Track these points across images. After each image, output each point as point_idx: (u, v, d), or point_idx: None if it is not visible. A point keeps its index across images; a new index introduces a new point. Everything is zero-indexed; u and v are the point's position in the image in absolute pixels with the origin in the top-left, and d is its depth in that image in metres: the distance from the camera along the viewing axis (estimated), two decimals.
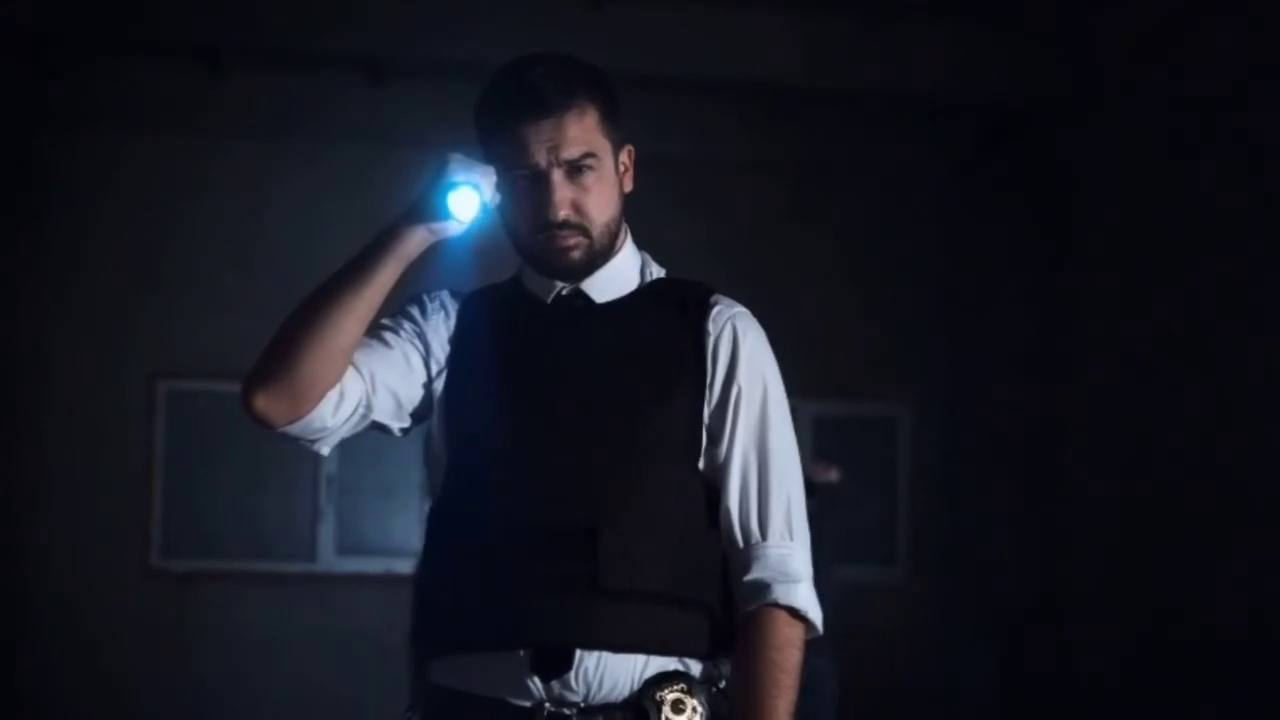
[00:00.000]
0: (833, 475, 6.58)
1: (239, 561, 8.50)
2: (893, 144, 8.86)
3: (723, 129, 8.60)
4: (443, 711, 2.13)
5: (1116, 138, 7.96)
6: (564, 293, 2.20)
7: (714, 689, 2.12)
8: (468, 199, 2.09)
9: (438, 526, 2.20)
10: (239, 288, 8.29)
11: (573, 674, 2.05)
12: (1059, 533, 8.23)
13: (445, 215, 2.09)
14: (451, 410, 2.19)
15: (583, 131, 2.11)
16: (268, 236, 8.48)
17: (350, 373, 2.12)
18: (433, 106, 7.96)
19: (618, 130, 2.18)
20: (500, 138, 2.13)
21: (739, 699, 2.10)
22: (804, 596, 2.12)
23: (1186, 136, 7.38)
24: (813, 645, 2.16)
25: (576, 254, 2.15)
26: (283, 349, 2.07)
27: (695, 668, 2.11)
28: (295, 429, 2.12)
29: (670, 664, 2.09)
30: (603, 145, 2.15)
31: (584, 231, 2.14)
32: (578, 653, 2.05)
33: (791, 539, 2.15)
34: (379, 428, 2.21)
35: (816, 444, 8.02)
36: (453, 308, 2.24)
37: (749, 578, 2.12)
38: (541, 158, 2.11)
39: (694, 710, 2.07)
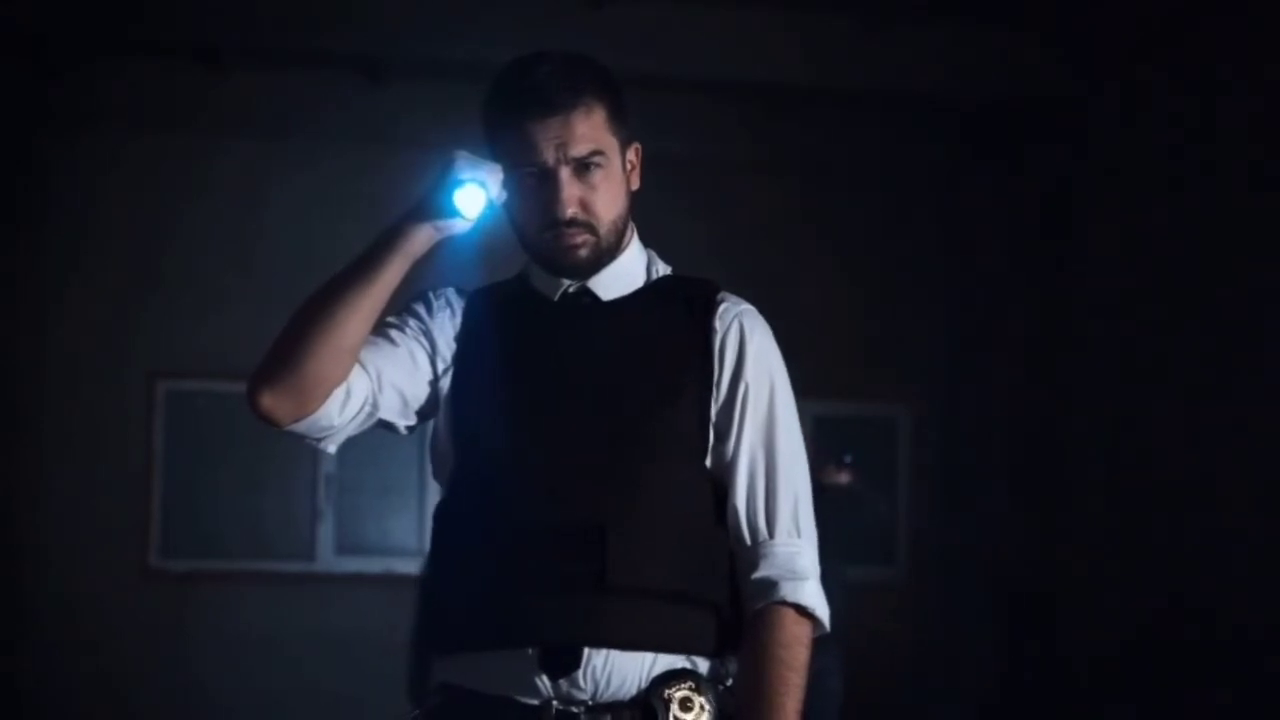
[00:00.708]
0: (844, 478, 6.58)
1: (238, 561, 8.50)
2: (893, 144, 8.86)
3: (723, 129, 8.60)
4: (450, 710, 2.12)
5: (1116, 137, 7.96)
6: (570, 290, 2.20)
7: (721, 687, 2.12)
8: (473, 196, 2.08)
9: (444, 525, 2.19)
10: (239, 288, 8.29)
11: (581, 672, 2.05)
12: (1059, 532, 8.22)
13: (451, 213, 2.09)
14: (458, 408, 2.19)
15: (590, 129, 2.11)
16: (268, 236, 8.48)
17: (356, 371, 2.12)
18: (433, 106, 7.96)
19: (625, 128, 2.18)
20: (508, 135, 2.13)
21: (747, 697, 2.09)
22: (811, 594, 2.12)
23: (1186, 136, 7.37)
24: (818, 643, 2.15)
25: (584, 252, 2.15)
26: (289, 347, 2.07)
27: (703, 665, 2.11)
28: (301, 427, 2.12)
29: (678, 662, 2.09)
30: (610, 143, 2.15)
31: (591, 229, 2.14)
32: (586, 651, 2.05)
33: (799, 536, 2.15)
34: (385, 426, 2.21)
35: (817, 443, 8.01)
36: (458, 305, 2.24)
37: (756, 575, 2.12)
38: (549, 155, 2.11)
39: (702, 708, 2.07)
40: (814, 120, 8.60)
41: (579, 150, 2.11)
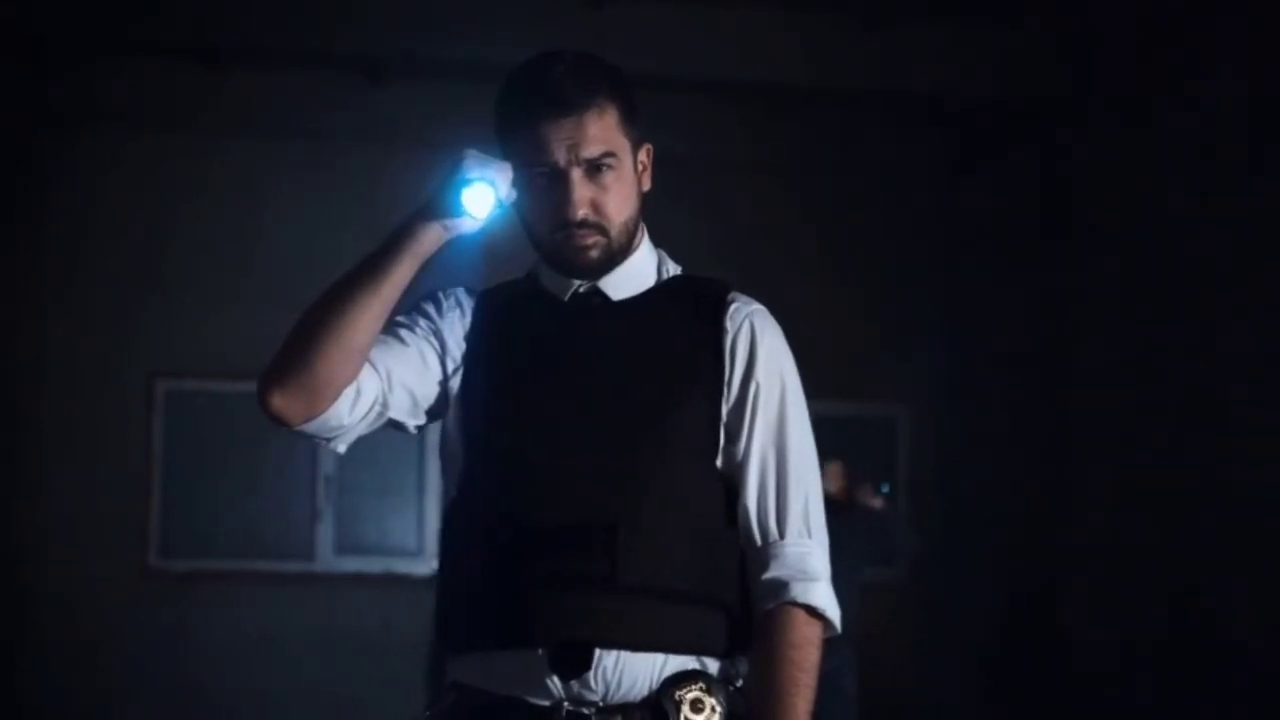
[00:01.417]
0: (876, 503, 6.60)
1: (238, 561, 8.50)
2: (892, 144, 8.86)
3: (723, 129, 8.60)
4: (462, 710, 2.12)
5: (1116, 137, 7.96)
6: (581, 290, 2.20)
7: (732, 688, 2.12)
8: (483, 196, 2.08)
9: (455, 524, 2.19)
10: (239, 288, 8.29)
11: (592, 673, 2.04)
12: (1059, 532, 8.23)
13: (460, 212, 2.08)
14: (467, 408, 2.18)
15: (603, 130, 2.11)
16: (268, 236, 8.48)
17: (367, 370, 2.11)
18: (433, 106, 7.97)
19: (636, 129, 2.18)
20: (519, 135, 2.12)
21: (757, 698, 2.09)
22: (822, 595, 2.12)
23: (1186, 136, 7.38)
24: (830, 644, 2.15)
25: (594, 253, 2.15)
26: (299, 347, 2.07)
27: (713, 666, 2.11)
28: (312, 427, 2.11)
29: (689, 663, 2.09)
30: (622, 144, 2.14)
31: (602, 231, 2.14)
32: (597, 652, 2.04)
33: (810, 537, 2.15)
34: (395, 425, 2.21)
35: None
36: (468, 305, 2.23)
37: (767, 576, 2.12)
38: (561, 156, 2.10)
39: (712, 709, 2.06)
40: (814, 120, 8.60)
41: (591, 151, 2.11)
